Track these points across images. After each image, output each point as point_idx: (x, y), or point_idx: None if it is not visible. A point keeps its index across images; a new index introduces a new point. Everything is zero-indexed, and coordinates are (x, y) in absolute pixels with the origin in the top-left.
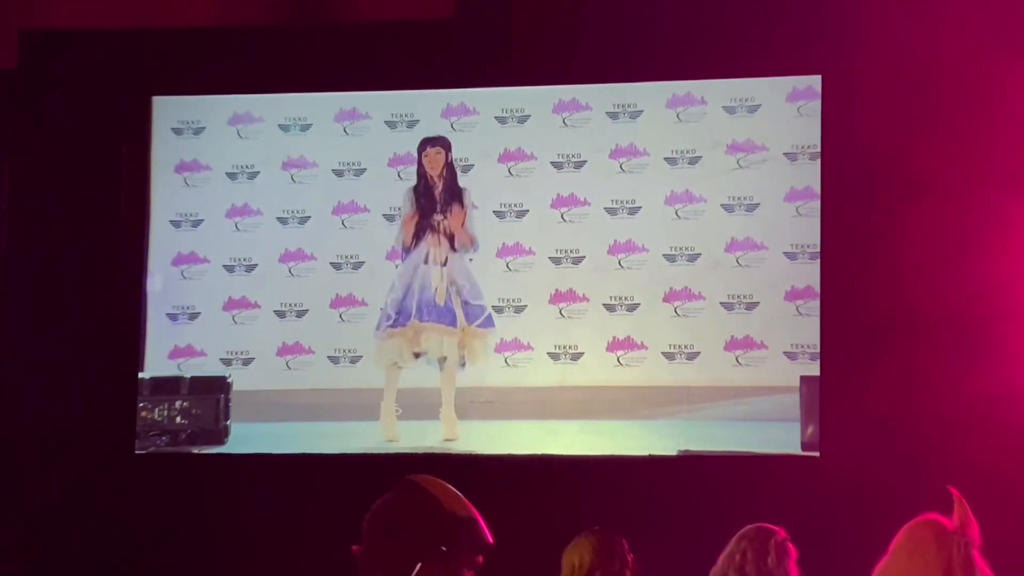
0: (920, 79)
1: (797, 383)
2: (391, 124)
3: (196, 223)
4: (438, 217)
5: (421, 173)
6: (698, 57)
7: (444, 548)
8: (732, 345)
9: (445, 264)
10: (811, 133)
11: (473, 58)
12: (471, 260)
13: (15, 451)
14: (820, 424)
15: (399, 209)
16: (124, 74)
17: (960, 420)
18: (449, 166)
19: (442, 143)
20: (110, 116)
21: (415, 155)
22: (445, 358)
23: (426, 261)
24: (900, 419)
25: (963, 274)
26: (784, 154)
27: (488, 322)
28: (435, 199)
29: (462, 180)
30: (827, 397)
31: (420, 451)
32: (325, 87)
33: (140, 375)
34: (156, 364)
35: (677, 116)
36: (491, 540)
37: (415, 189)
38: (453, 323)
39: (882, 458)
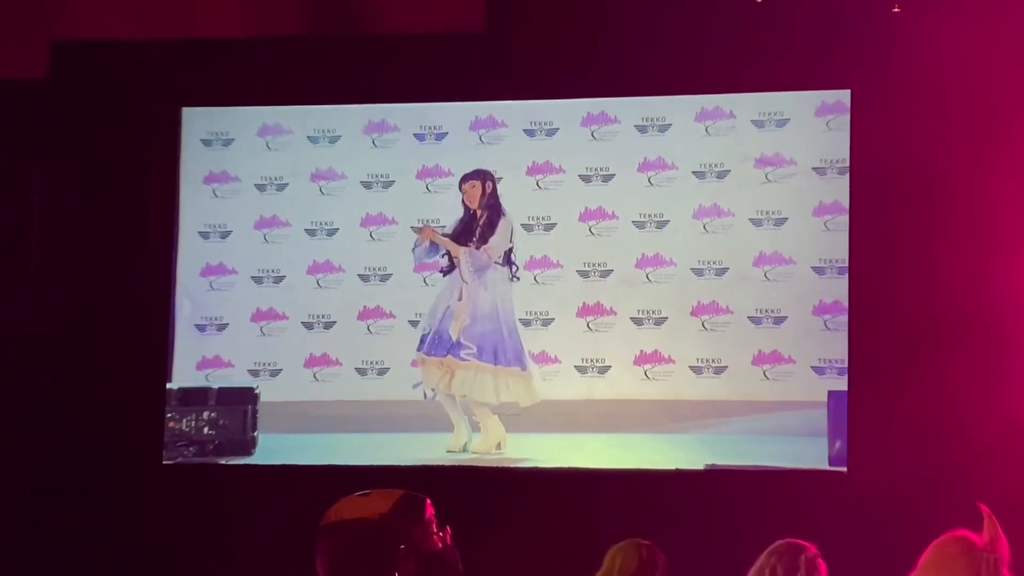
0: (949, 94)
1: (825, 398)
2: (420, 136)
3: (225, 234)
4: (473, 245)
5: (464, 206)
6: (727, 71)
7: (402, 546)
8: (760, 359)
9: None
10: (840, 147)
11: (502, 71)
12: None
13: (44, 460)
14: (848, 439)
15: (428, 222)
16: (154, 85)
17: (989, 435)
18: (489, 196)
19: (477, 176)
20: (140, 127)
21: (443, 168)
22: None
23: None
24: (928, 434)
25: (991, 289)
26: (813, 168)
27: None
28: (472, 231)
29: None
30: (855, 412)
31: (447, 463)
32: (354, 99)
33: (168, 386)
34: (184, 375)
35: (706, 130)
36: (425, 505)
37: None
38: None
39: (910, 473)
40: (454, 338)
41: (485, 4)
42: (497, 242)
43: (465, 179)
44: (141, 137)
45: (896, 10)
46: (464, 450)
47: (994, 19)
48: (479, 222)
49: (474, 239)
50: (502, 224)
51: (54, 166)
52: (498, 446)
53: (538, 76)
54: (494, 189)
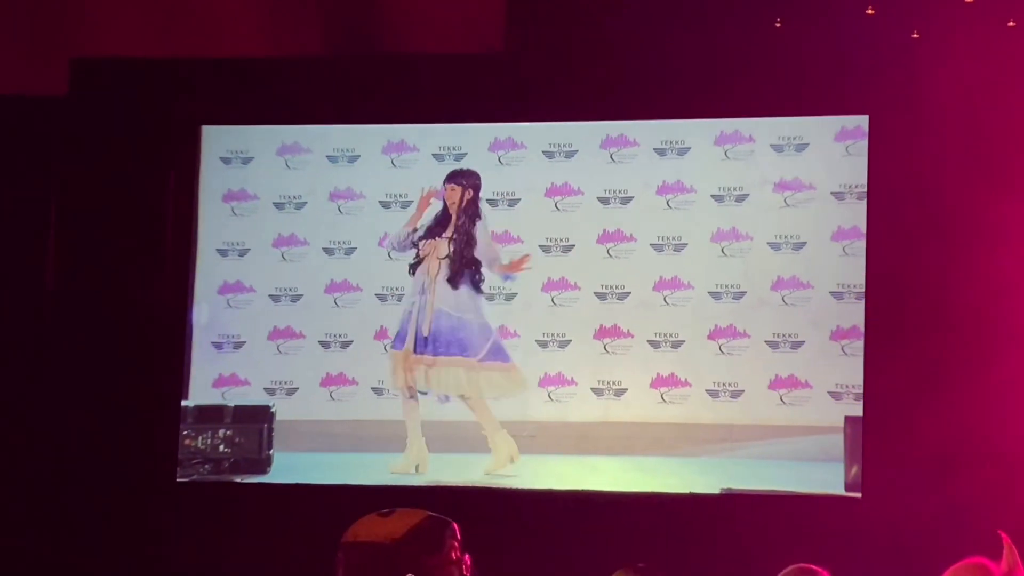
0: (967, 120)
1: (841, 423)
2: (439, 157)
3: (243, 252)
4: (440, 246)
5: (443, 208)
6: (746, 95)
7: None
8: (777, 384)
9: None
10: (859, 173)
11: (522, 92)
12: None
13: (57, 477)
14: (863, 465)
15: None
16: (173, 102)
17: (1008, 462)
18: (469, 203)
19: (460, 181)
20: (159, 144)
21: None
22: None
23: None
24: (945, 461)
25: (1010, 317)
26: (832, 193)
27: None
28: (445, 228)
29: (508, 214)
30: (870, 438)
31: (461, 484)
32: (374, 119)
33: (184, 403)
34: (200, 392)
35: (725, 153)
36: (446, 531)
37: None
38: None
39: (926, 500)
40: (424, 333)
41: (504, 25)
42: (488, 243)
43: (449, 179)
44: (160, 154)
45: (915, 36)
46: (416, 472)
47: (1012, 45)
48: (455, 223)
49: (446, 235)
50: (481, 229)
51: (73, 183)
52: (511, 460)
53: (557, 98)
54: (475, 197)
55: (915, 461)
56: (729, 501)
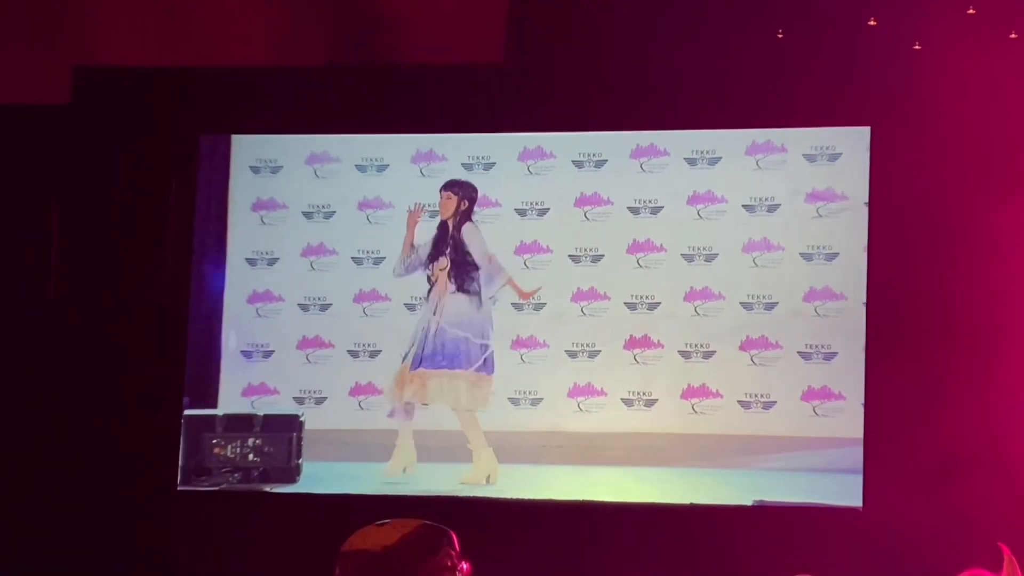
0: (970, 131)
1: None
2: (467, 166)
3: (272, 261)
4: (442, 261)
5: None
6: (743, 105)
7: None
8: (809, 395)
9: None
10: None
11: (553, 102)
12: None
13: (79, 488)
14: (864, 475)
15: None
16: (176, 111)
17: (1009, 473)
18: (463, 214)
19: (457, 191)
20: (162, 153)
21: (491, 198)
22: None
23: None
24: (946, 471)
25: (1014, 327)
26: (864, 203)
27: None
28: (446, 243)
29: (537, 224)
30: (871, 448)
31: (488, 496)
32: (402, 128)
33: (214, 412)
34: (230, 401)
35: (756, 163)
36: (442, 540)
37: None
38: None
39: (928, 511)
40: (428, 351)
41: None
42: (482, 249)
43: (445, 187)
44: (163, 163)
45: (917, 47)
46: (404, 472)
47: (1015, 57)
48: (451, 235)
49: (447, 251)
50: (475, 235)
51: (75, 190)
52: (488, 479)
53: (585, 108)
54: (469, 208)
55: (916, 472)
56: (758, 513)
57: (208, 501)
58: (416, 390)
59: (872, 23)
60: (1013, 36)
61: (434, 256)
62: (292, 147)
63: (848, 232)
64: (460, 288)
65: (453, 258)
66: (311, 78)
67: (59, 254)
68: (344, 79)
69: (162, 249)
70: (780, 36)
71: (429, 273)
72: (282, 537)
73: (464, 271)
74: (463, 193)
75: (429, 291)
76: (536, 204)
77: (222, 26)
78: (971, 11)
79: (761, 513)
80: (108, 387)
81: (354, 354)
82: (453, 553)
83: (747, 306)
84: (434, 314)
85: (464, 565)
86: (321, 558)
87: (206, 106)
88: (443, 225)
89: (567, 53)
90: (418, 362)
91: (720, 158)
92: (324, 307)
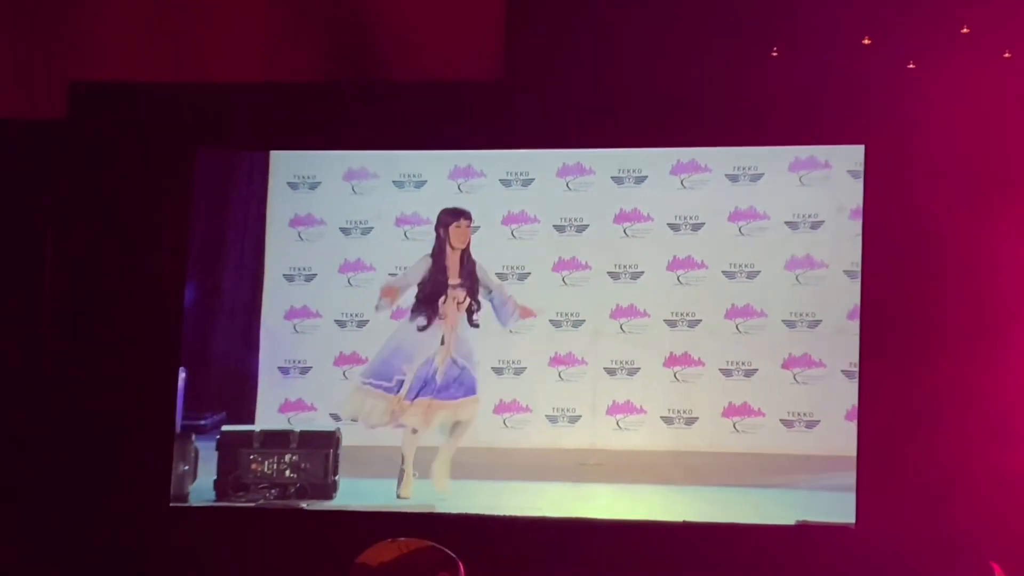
0: (963, 149)
1: None
2: (505, 182)
3: (309, 277)
4: (456, 292)
5: (441, 246)
6: (745, 123)
7: None
8: (852, 414)
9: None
10: None
11: (589, 117)
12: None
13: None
14: (857, 493)
15: (511, 268)
16: (171, 126)
17: (1002, 491)
18: (470, 240)
19: (469, 216)
20: (157, 168)
21: (529, 214)
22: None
23: (442, 342)
24: (939, 489)
25: (1008, 345)
26: None
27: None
28: (457, 272)
29: (576, 240)
30: (864, 466)
31: (520, 515)
32: (440, 145)
33: (251, 427)
34: (267, 417)
35: (800, 180)
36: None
37: (433, 257)
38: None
39: (920, 528)
40: (439, 381)
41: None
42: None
43: (456, 215)
44: (158, 178)
45: (911, 66)
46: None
47: (1008, 76)
48: (463, 264)
49: (464, 282)
50: (479, 268)
51: (71, 205)
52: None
53: (622, 124)
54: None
55: (909, 490)
56: (802, 532)
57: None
58: (419, 419)
59: (866, 42)
60: (1007, 55)
61: (441, 289)
62: (330, 163)
63: None
64: (471, 319)
65: (468, 287)
66: (308, 94)
67: (54, 268)
68: (342, 94)
69: (157, 263)
70: (774, 54)
71: (439, 308)
72: (317, 553)
73: (477, 298)
74: (471, 219)
75: (428, 324)
76: (575, 220)
77: (217, 42)
78: (965, 30)
79: (758, 531)
80: (101, 402)
81: None
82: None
83: (789, 324)
84: (442, 344)
85: None
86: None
87: (202, 120)
88: (456, 254)
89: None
90: (417, 393)
91: (762, 174)
92: (361, 323)
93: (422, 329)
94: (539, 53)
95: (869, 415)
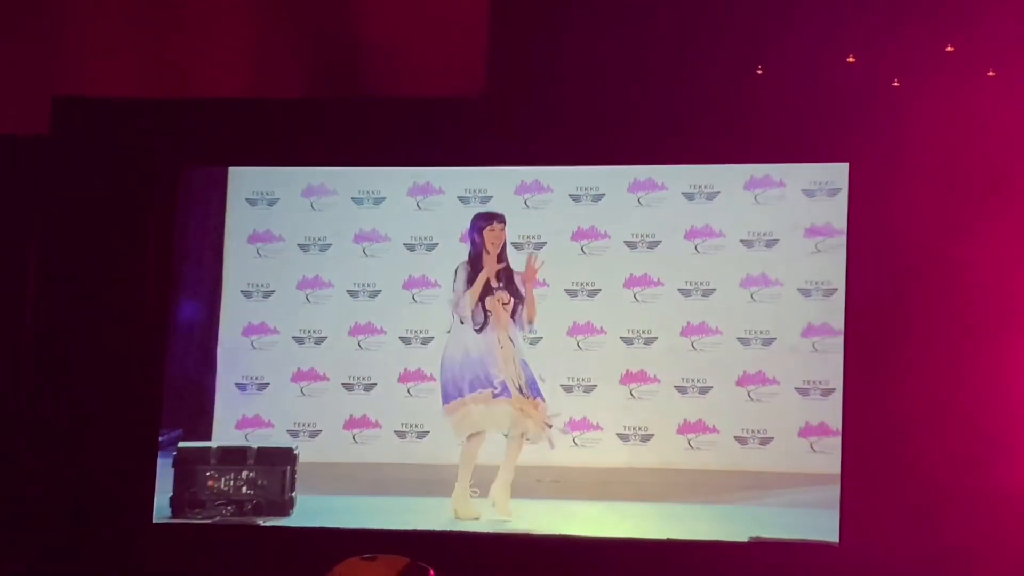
0: (947, 168)
1: None
2: (464, 200)
3: (267, 293)
4: (501, 295)
5: (477, 251)
6: (720, 141)
7: None
8: (807, 432)
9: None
10: None
11: (543, 135)
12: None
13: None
14: (841, 510)
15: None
16: (157, 143)
17: (987, 509)
18: (505, 243)
19: (502, 219)
20: (142, 185)
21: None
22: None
23: (499, 342)
24: (923, 507)
25: (991, 362)
26: None
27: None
28: (495, 276)
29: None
30: (848, 483)
31: (481, 531)
32: (398, 161)
33: (208, 444)
34: (224, 433)
35: (755, 198)
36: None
37: (471, 264)
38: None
39: (903, 547)
40: (520, 382)
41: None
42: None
43: (489, 219)
44: (142, 195)
45: (895, 84)
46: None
47: (993, 94)
48: (498, 264)
49: (501, 285)
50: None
51: (54, 222)
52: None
53: (577, 140)
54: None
55: (893, 508)
56: (753, 549)
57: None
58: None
59: (851, 60)
60: (991, 74)
61: (488, 291)
62: (288, 179)
63: (844, 268)
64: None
65: (510, 291)
66: (298, 110)
67: (37, 284)
68: (329, 110)
69: (141, 282)
70: (759, 72)
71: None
72: (275, 571)
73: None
74: (504, 220)
75: (484, 322)
76: (532, 238)
77: (201, 58)
78: (949, 48)
79: (742, 549)
80: (83, 419)
81: (349, 387)
82: None
83: (744, 341)
84: (513, 345)
85: None
86: None
87: (187, 138)
88: (493, 256)
89: (550, 86)
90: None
91: (718, 193)
92: (319, 340)
93: (479, 330)
94: (517, 69)
95: (853, 432)
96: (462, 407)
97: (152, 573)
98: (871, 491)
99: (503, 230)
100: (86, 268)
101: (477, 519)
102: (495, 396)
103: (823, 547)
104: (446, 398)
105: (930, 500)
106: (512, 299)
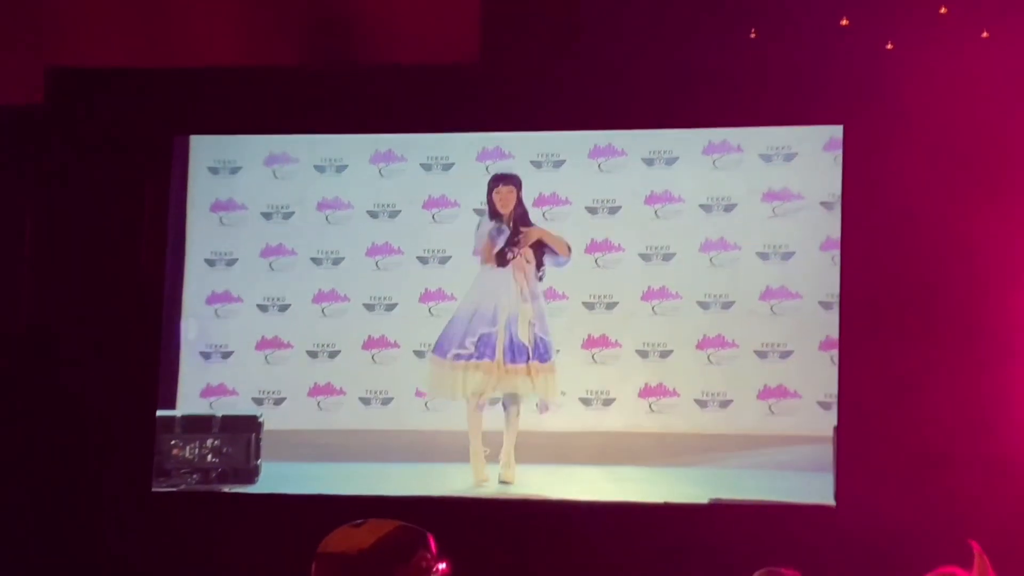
0: (942, 130)
1: (831, 433)
2: (426, 167)
3: (231, 262)
4: (514, 252)
5: (492, 212)
6: (719, 104)
7: None
8: (765, 394)
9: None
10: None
11: (504, 102)
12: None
13: (43, 488)
14: (837, 474)
15: (433, 251)
16: (149, 112)
17: (982, 471)
18: (520, 204)
19: (514, 181)
20: (135, 154)
21: (450, 198)
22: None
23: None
24: (919, 470)
25: (987, 324)
26: (820, 203)
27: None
28: (507, 237)
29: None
30: (844, 447)
31: (452, 495)
32: (361, 128)
33: (172, 413)
34: (188, 402)
35: (713, 163)
36: (419, 541)
37: (488, 223)
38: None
39: (900, 509)
40: (526, 343)
41: (480, 35)
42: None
43: (500, 181)
44: (136, 164)
45: (889, 47)
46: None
47: (987, 56)
48: (509, 227)
49: (514, 245)
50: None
51: (48, 191)
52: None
53: (541, 107)
54: (520, 198)
55: (889, 470)
56: (715, 511)
57: (171, 502)
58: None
59: (844, 23)
60: (985, 35)
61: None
62: (250, 148)
63: (804, 231)
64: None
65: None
66: (284, 78)
67: (33, 256)
68: (326, 78)
69: (135, 250)
70: (753, 36)
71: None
72: (242, 538)
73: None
74: (518, 183)
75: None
76: (608, 201)
77: (195, 27)
78: (943, 10)
79: (733, 511)
80: (81, 389)
81: (313, 355)
82: (429, 556)
83: (704, 305)
84: (524, 300)
85: (441, 565)
86: (284, 557)
87: (179, 107)
88: (500, 217)
89: (534, 53)
90: (525, 355)
91: (677, 158)
92: (283, 308)
93: (503, 264)
94: (507, 38)
95: (848, 395)
96: (438, 367)
97: (120, 541)
98: (866, 454)
99: (511, 192)
100: (80, 235)
101: (486, 481)
102: (476, 358)
103: (821, 509)
104: (437, 348)
105: (926, 463)
106: (533, 256)
